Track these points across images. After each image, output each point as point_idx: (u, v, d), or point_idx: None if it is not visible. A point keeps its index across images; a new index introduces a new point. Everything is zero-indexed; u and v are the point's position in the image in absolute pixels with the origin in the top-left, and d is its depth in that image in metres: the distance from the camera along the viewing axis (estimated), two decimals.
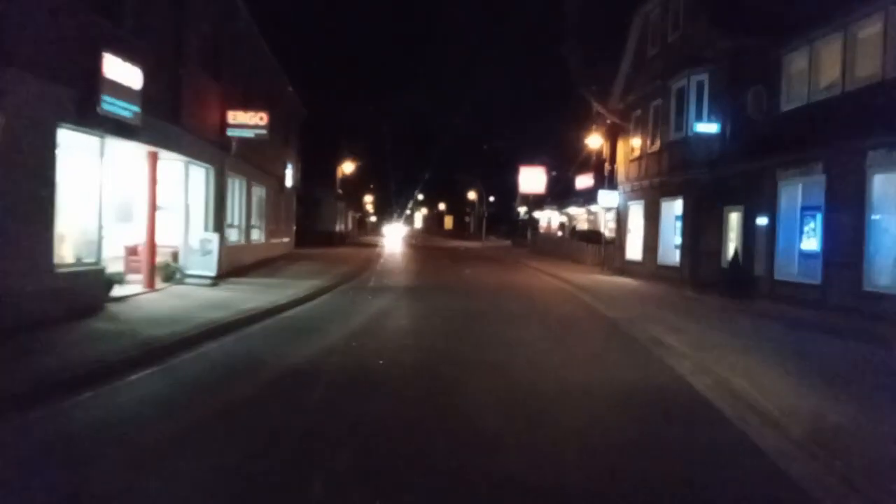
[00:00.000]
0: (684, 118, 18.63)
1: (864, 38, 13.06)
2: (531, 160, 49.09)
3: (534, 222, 53.51)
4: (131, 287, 12.82)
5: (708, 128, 17.57)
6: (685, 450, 5.35)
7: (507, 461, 4.87)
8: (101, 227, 10.82)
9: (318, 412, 6.03)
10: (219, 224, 16.91)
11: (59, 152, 9.30)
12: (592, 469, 4.84)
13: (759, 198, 15.56)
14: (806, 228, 14.04)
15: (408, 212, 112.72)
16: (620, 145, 26.47)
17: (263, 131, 16.79)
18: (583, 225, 40.41)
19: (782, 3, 15.48)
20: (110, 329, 8.76)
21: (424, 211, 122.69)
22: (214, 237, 15.29)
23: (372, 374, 7.61)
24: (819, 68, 14.26)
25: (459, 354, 8.93)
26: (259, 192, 23.22)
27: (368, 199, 78.77)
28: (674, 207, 20.79)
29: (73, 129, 9.70)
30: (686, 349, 9.12)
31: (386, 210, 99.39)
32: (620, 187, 25.84)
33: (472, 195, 78.94)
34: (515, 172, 52.14)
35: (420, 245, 56.24)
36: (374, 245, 47.49)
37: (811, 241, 13.90)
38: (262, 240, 24.10)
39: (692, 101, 18.30)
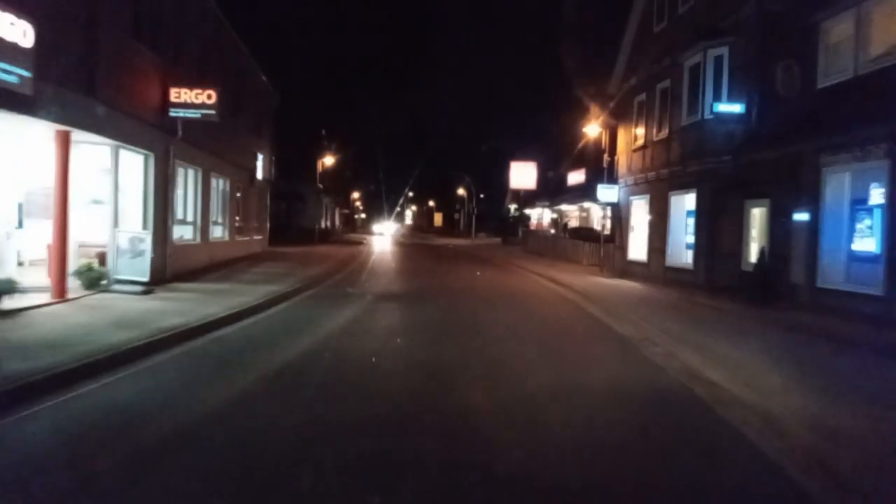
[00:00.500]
0: (699, 99, 16.25)
1: None
2: (523, 156, 47.61)
3: (524, 219, 51.69)
4: (33, 297, 10.36)
5: (730, 108, 15.15)
6: None
7: None
8: None
9: None
10: (161, 220, 14.44)
11: None
12: None
13: (793, 189, 13.20)
14: (859, 226, 11.65)
15: (398, 209, 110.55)
16: (621, 134, 24.15)
17: (211, 111, 14.28)
18: (574, 222, 38.33)
19: None
20: None
21: (415, 208, 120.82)
22: (147, 235, 12.84)
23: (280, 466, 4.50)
24: (870, 35, 11.87)
25: (425, 423, 5.59)
26: (220, 184, 20.86)
27: (357, 195, 76.64)
28: (685, 202, 18.48)
29: None
30: (742, 391, 6.72)
31: (376, 207, 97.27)
32: (621, 181, 23.53)
33: (461, 192, 76.96)
34: (506, 169, 50.36)
35: (407, 243, 54.72)
36: (359, 243, 45.38)
37: (866, 242, 11.53)
38: (227, 237, 21.78)
39: (709, 79, 15.94)
